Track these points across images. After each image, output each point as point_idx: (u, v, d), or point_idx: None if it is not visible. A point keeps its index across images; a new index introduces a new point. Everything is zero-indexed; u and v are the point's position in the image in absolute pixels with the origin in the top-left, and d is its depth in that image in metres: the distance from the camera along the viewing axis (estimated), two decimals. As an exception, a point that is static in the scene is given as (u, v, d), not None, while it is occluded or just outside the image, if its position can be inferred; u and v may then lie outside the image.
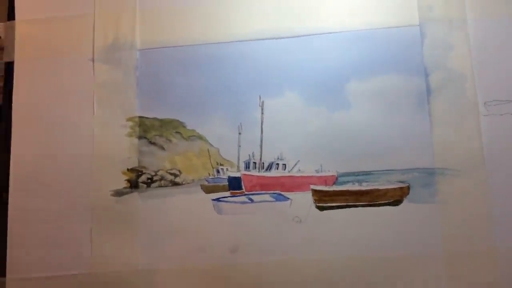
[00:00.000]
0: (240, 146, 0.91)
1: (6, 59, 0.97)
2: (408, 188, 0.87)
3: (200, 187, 0.90)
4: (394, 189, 0.88)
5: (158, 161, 0.92)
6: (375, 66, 0.92)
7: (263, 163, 0.91)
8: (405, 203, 0.87)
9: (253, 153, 0.91)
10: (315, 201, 0.89)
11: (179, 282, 0.87)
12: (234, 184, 0.91)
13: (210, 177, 0.91)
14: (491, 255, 0.84)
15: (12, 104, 0.95)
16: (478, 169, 0.87)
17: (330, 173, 0.89)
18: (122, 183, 0.91)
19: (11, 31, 0.97)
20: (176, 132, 0.92)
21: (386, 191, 0.88)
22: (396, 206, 0.87)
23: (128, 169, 0.91)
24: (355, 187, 0.89)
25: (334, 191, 0.89)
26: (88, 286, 0.88)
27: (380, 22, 0.93)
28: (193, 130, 0.92)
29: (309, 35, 0.94)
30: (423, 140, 0.89)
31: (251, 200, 0.90)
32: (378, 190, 0.88)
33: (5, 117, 0.95)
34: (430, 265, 0.85)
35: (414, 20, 0.93)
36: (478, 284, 0.84)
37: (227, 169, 0.91)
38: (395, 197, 0.88)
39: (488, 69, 0.90)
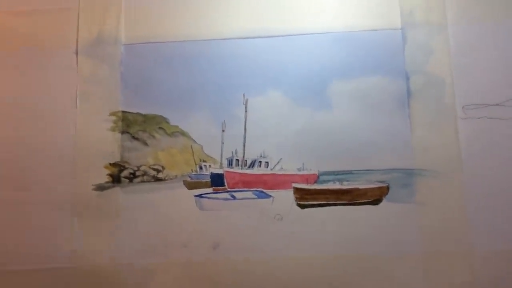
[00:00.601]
0: (223, 143, 0.92)
1: (-13, 50, 0.95)
2: (388, 188, 0.89)
3: (182, 183, 0.91)
4: (374, 188, 0.89)
5: (141, 156, 0.92)
6: (357, 67, 0.93)
7: (246, 160, 0.91)
8: (384, 203, 0.89)
9: (236, 150, 0.92)
10: (297, 199, 0.90)
11: (160, 277, 0.87)
12: (217, 180, 0.91)
13: (193, 173, 0.91)
14: (467, 256, 0.86)
15: (-7, 96, 0.93)
16: (456, 171, 0.89)
17: (312, 172, 0.91)
18: (104, 178, 0.90)
19: (-7, 22, 0.96)
20: (160, 127, 0.92)
21: (366, 190, 0.89)
22: (376, 205, 0.89)
23: (110, 164, 0.91)
24: (336, 186, 0.90)
25: (315, 189, 0.90)
26: (68, 280, 0.87)
27: (364, 24, 0.95)
28: (177, 126, 0.92)
29: (294, 35, 0.95)
30: (403, 141, 0.91)
31: (233, 197, 0.90)
32: (358, 189, 0.90)
33: (-15, 109, 0.93)
34: (407, 263, 0.86)
35: (397, 23, 0.94)
36: (454, 284, 0.86)
37: (210, 166, 0.91)
38: (375, 197, 0.89)
39: (466, 73, 0.92)
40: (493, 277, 0.85)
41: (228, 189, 0.91)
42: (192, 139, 0.92)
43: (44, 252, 0.88)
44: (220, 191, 0.91)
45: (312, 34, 0.95)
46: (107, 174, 0.90)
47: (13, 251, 0.88)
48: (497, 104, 0.91)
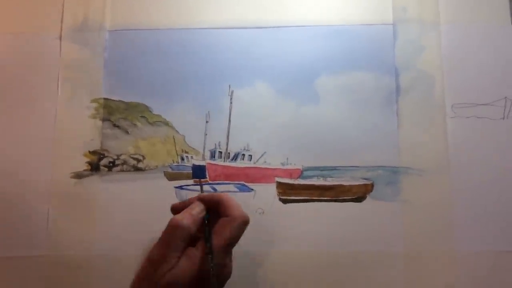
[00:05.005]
0: (206, 134, 0.90)
1: (-32, 31, 0.94)
2: (372, 185, 0.88)
3: (163, 173, 0.89)
4: (359, 185, 0.88)
5: (121, 145, 0.90)
6: (346, 62, 0.92)
7: (229, 153, 0.90)
8: (368, 200, 0.87)
9: (219, 142, 0.90)
10: (279, 193, 0.88)
11: (136, 269, 0.85)
12: (198, 172, 0.89)
13: (174, 164, 0.89)
14: (451, 257, 0.85)
15: (-27, 78, 0.91)
16: (442, 170, 0.87)
17: (296, 167, 0.89)
18: (83, 166, 0.89)
19: (-25, 4, 0.94)
20: (142, 116, 0.90)
21: (351, 187, 0.88)
22: (359, 203, 0.87)
23: (89, 151, 0.89)
24: (320, 181, 0.88)
25: (298, 184, 0.88)
26: (43, 268, 0.85)
27: (354, 18, 0.93)
28: (159, 116, 0.90)
29: (283, 27, 0.93)
30: (390, 138, 0.89)
31: (215, 190, 0.89)
32: (342, 186, 0.88)
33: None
34: (390, 262, 0.85)
35: (388, 18, 0.93)
36: (437, 285, 0.84)
37: (192, 157, 0.90)
38: (359, 194, 0.88)
39: (457, 72, 0.91)
40: (475, 278, 0.84)
41: (210, 181, 0.89)
42: (175, 129, 0.90)
43: (19, 240, 0.86)
44: (201, 183, 0.89)
45: (301, 26, 0.94)
46: (86, 162, 0.88)
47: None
48: (486, 104, 0.90)
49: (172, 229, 0.60)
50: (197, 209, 0.64)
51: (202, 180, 0.89)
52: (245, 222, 0.61)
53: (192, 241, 0.61)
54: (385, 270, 0.85)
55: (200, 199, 0.66)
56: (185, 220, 0.60)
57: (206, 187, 0.89)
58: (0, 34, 0.94)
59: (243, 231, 0.62)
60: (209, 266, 0.58)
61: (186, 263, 0.58)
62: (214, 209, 0.63)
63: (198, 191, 0.88)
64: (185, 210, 0.64)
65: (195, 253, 0.60)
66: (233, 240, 0.60)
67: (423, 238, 0.85)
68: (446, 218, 0.86)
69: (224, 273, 0.61)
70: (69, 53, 0.92)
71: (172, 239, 0.58)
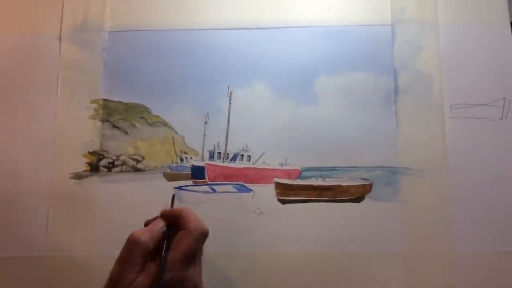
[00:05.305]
0: (205, 135, 0.90)
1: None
2: (371, 185, 0.88)
3: (162, 174, 0.89)
4: (357, 186, 0.88)
5: (120, 146, 0.90)
6: (345, 62, 0.92)
7: (227, 153, 0.90)
8: (367, 200, 0.87)
9: (218, 143, 0.90)
10: (278, 194, 0.88)
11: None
12: (197, 173, 0.90)
13: (173, 164, 0.90)
14: (450, 257, 0.84)
15: (-28, 79, 0.92)
16: (441, 171, 0.87)
17: (294, 167, 0.89)
18: (82, 166, 0.89)
19: (-25, 5, 0.94)
20: (141, 117, 0.90)
21: (349, 187, 0.88)
22: (358, 203, 0.87)
23: (89, 152, 0.89)
24: (318, 182, 0.89)
25: (297, 185, 0.88)
26: (42, 269, 0.85)
27: (352, 18, 0.93)
28: (158, 116, 0.91)
29: (282, 27, 0.93)
30: (388, 139, 0.89)
31: (214, 190, 0.89)
32: (341, 186, 0.88)
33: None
34: (388, 263, 0.85)
35: (387, 19, 0.93)
36: (436, 285, 0.84)
37: (191, 158, 0.90)
38: (358, 194, 0.88)
39: (455, 72, 0.91)
40: (474, 278, 0.84)
41: (209, 182, 0.90)
42: (174, 130, 0.91)
43: (19, 240, 0.86)
44: (200, 184, 0.89)
45: (300, 27, 0.94)
46: (86, 163, 0.89)
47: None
48: (485, 105, 0.90)
49: (129, 245, 0.59)
50: (157, 225, 0.64)
51: (201, 180, 0.90)
52: (203, 234, 0.61)
53: (154, 256, 0.61)
54: (384, 271, 0.85)
55: (162, 215, 0.67)
56: (143, 236, 0.59)
57: (205, 188, 0.89)
58: (0, 34, 0.94)
59: (201, 243, 0.61)
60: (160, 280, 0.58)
61: (144, 279, 0.58)
62: (175, 223, 0.63)
63: (198, 191, 0.88)
64: (146, 227, 0.65)
65: (153, 268, 0.60)
66: (190, 252, 0.60)
67: (422, 238, 0.85)
68: (445, 218, 0.86)
69: (184, 286, 0.61)
70: (69, 54, 0.93)
71: (130, 256, 0.58)
